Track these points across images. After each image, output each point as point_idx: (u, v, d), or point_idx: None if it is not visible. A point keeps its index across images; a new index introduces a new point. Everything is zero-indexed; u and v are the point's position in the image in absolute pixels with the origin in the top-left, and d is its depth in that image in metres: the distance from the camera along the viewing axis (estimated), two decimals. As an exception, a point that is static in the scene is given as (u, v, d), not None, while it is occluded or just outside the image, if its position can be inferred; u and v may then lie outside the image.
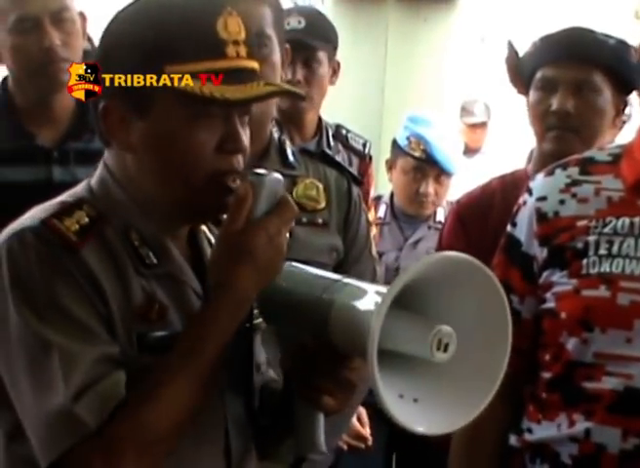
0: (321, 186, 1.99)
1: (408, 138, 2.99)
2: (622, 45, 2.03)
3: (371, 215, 2.91)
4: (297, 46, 2.49)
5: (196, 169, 1.20)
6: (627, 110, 6.27)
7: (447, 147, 3.01)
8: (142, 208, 1.24)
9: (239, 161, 1.22)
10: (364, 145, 3.00)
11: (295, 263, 1.29)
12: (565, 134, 2.01)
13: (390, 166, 3.08)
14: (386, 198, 3.10)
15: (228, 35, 1.19)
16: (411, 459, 2.81)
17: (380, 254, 2.90)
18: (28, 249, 1.15)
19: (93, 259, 1.16)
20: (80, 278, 1.15)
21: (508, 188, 2.12)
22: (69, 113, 2.14)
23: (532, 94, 2.06)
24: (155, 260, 1.22)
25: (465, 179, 4.71)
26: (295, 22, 2.63)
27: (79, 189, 1.27)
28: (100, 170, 1.28)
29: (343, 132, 2.96)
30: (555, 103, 1.99)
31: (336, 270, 1.86)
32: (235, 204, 1.18)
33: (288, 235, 1.21)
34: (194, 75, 1.17)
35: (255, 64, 1.23)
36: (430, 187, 2.98)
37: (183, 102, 1.18)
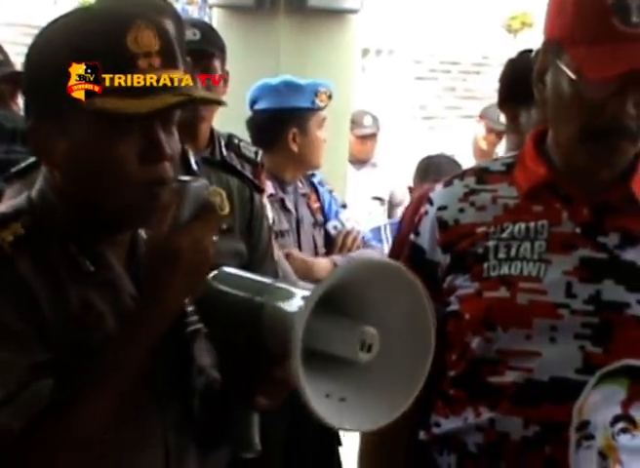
0: (224, 193, 2.05)
1: (315, 93, 3.09)
2: None
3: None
4: (195, 56, 2.57)
5: (122, 181, 1.22)
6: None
7: None
8: (79, 218, 1.27)
9: (165, 168, 1.24)
10: (256, 153, 3.08)
11: (230, 268, 1.33)
12: None
13: (294, 137, 3.12)
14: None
15: (139, 48, 1.21)
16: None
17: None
18: None
19: (27, 269, 1.19)
20: (13, 287, 1.18)
21: None
22: None
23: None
24: (92, 268, 1.26)
25: (354, 189, 4.83)
26: (190, 34, 2.71)
27: (19, 201, 1.30)
28: (39, 182, 1.30)
29: (235, 141, 3.03)
30: None
31: None
32: (161, 211, 1.22)
33: (215, 238, 1.24)
34: (107, 93, 1.19)
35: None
36: None
37: (98, 120, 1.20)
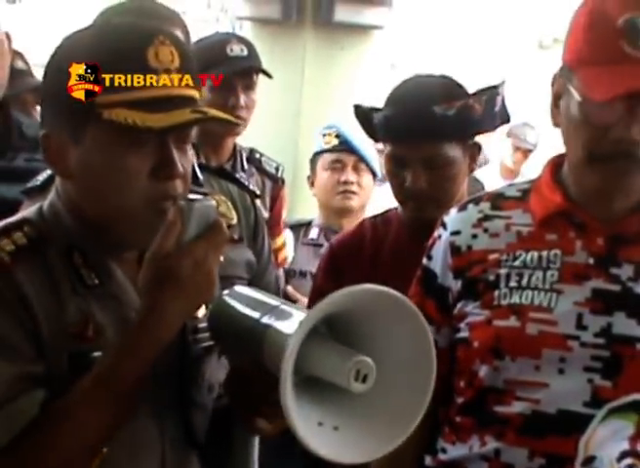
0: (229, 202, 2.04)
1: (323, 135, 3.01)
2: (464, 109, 1.98)
3: (280, 240, 2.96)
4: (243, 71, 2.63)
5: (130, 195, 1.23)
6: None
7: (360, 137, 2.90)
8: (88, 231, 1.27)
9: (176, 186, 1.25)
10: (277, 169, 3.07)
11: (243, 287, 1.32)
12: (423, 204, 2.02)
13: (312, 181, 3.07)
14: (318, 221, 3.08)
15: (159, 64, 1.22)
16: None
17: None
18: None
19: (25, 279, 1.20)
20: (9, 296, 1.18)
21: (379, 227, 2.16)
22: None
23: (385, 162, 2.06)
24: (96, 281, 1.26)
25: (377, 207, 4.79)
26: (238, 50, 2.75)
27: (31, 210, 1.31)
28: (51, 193, 1.32)
29: (257, 155, 3.03)
30: (408, 181, 1.99)
31: (248, 284, 1.91)
32: (163, 228, 1.20)
33: (221, 259, 1.22)
34: (124, 105, 1.20)
35: (188, 91, 1.25)
36: (351, 176, 2.97)
37: (113, 131, 1.21)
